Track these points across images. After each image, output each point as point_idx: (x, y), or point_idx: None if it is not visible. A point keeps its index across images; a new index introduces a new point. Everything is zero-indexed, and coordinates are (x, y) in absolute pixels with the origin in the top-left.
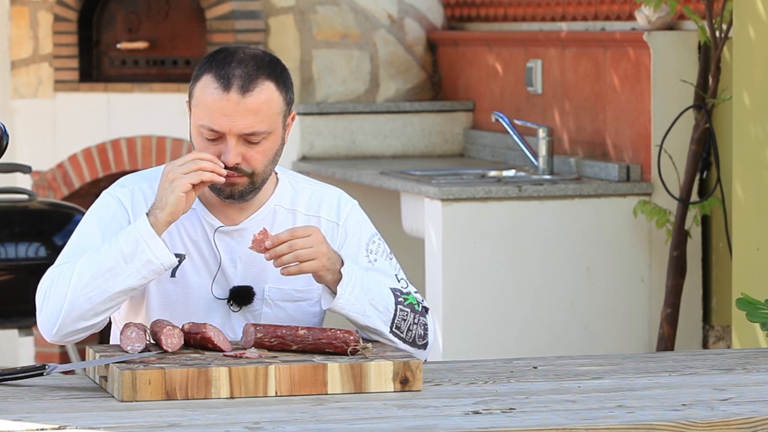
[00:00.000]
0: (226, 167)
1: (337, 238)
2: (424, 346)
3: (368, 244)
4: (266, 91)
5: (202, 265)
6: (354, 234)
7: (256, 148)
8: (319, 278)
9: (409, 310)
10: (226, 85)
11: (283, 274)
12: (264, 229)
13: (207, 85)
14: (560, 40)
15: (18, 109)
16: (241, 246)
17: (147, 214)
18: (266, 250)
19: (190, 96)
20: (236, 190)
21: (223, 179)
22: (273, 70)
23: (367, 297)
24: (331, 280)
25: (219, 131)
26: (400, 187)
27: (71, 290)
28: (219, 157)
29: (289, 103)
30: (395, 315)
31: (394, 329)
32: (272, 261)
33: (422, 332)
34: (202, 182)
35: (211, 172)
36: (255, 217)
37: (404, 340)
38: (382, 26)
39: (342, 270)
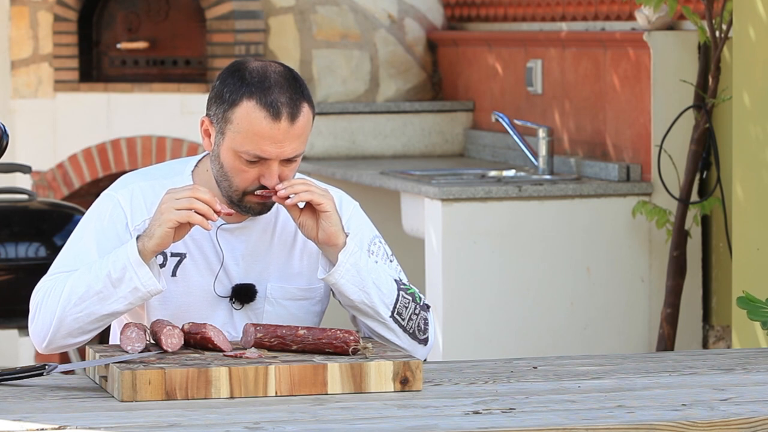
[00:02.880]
0: (261, 188)
1: None
2: (425, 342)
3: (369, 246)
4: (306, 114)
5: (203, 263)
6: (355, 235)
7: (291, 167)
8: (328, 227)
9: (410, 299)
10: (276, 114)
11: (291, 202)
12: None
13: (252, 113)
14: (560, 40)
15: (18, 109)
16: (243, 244)
17: (137, 238)
18: (275, 192)
19: (225, 120)
20: (267, 207)
21: (210, 227)
22: (304, 88)
23: (371, 276)
24: (339, 237)
25: (266, 158)
26: (400, 187)
27: (60, 309)
28: (257, 179)
29: (314, 115)
30: (397, 300)
31: (395, 314)
32: (275, 249)
33: (422, 326)
34: (190, 224)
35: (203, 216)
36: (258, 215)
37: (404, 329)
38: (382, 26)
39: (348, 240)
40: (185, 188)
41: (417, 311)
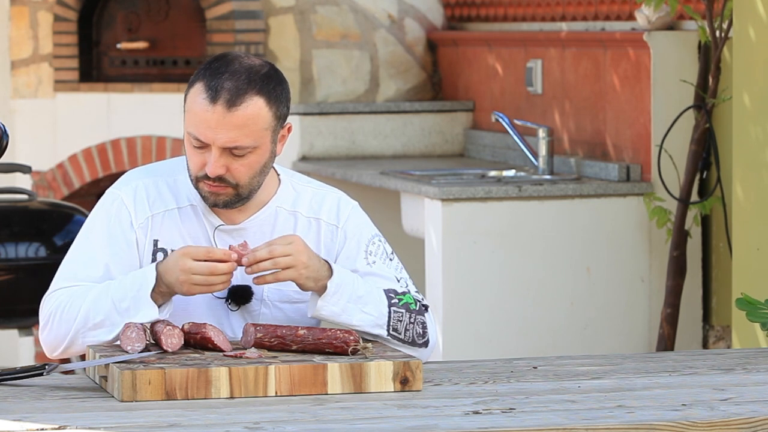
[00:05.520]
0: (209, 177)
1: (336, 240)
2: (425, 345)
3: (368, 246)
4: (253, 107)
5: None
6: (353, 236)
7: (241, 161)
8: (300, 287)
9: (404, 311)
10: (214, 97)
11: (257, 282)
12: (244, 241)
13: (197, 94)
14: (560, 40)
15: (18, 109)
16: None
17: (157, 277)
18: (242, 262)
19: (184, 100)
20: (220, 200)
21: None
22: (266, 84)
23: (357, 305)
24: (316, 288)
25: (204, 142)
26: (400, 187)
27: (74, 330)
28: (203, 166)
29: (280, 117)
30: (389, 317)
31: (391, 332)
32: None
33: (421, 331)
34: None
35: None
36: (256, 217)
37: (403, 341)
38: (382, 26)
39: (328, 283)
40: (200, 260)
41: (413, 319)
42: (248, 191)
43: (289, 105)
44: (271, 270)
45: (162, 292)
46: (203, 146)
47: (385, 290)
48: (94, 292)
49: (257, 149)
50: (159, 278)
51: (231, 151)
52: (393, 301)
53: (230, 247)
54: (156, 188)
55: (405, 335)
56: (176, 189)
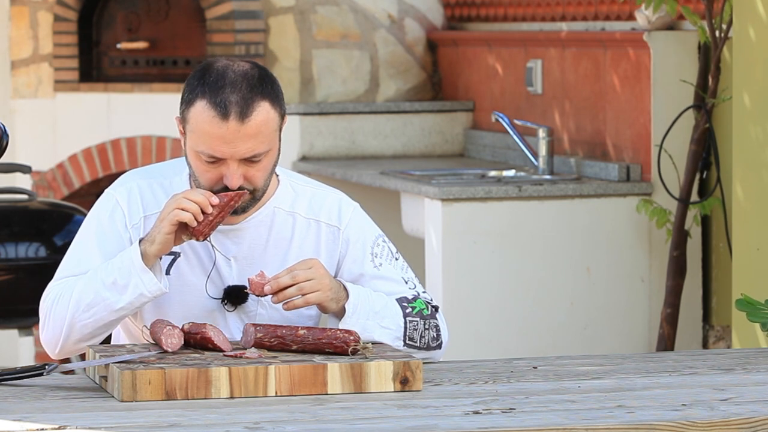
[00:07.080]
0: (226, 189)
1: (338, 243)
2: (439, 346)
3: (373, 248)
4: (263, 113)
5: (197, 263)
6: (357, 240)
7: (257, 167)
8: (323, 309)
9: (418, 319)
10: (224, 114)
11: (286, 308)
12: (261, 271)
13: (203, 113)
14: (560, 40)
15: (18, 109)
16: (237, 246)
17: (140, 241)
18: (264, 291)
19: (184, 120)
20: (239, 207)
21: (195, 224)
22: (265, 87)
23: (375, 321)
24: (336, 310)
25: (220, 158)
26: (400, 187)
27: (69, 316)
28: (220, 179)
29: (282, 114)
30: (406, 328)
31: (407, 342)
32: (269, 252)
33: (435, 334)
34: (180, 221)
35: (192, 214)
36: (254, 218)
37: (419, 348)
38: (382, 26)
39: (346, 305)
40: (183, 191)
41: (427, 326)
42: (262, 192)
43: (284, 100)
44: (297, 296)
45: (146, 256)
46: (216, 161)
47: (397, 299)
48: (82, 279)
49: (270, 151)
50: (143, 243)
51: (248, 160)
52: (407, 311)
53: (250, 281)
54: (150, 190)
55: (420, 342)
56: (171, 191)
